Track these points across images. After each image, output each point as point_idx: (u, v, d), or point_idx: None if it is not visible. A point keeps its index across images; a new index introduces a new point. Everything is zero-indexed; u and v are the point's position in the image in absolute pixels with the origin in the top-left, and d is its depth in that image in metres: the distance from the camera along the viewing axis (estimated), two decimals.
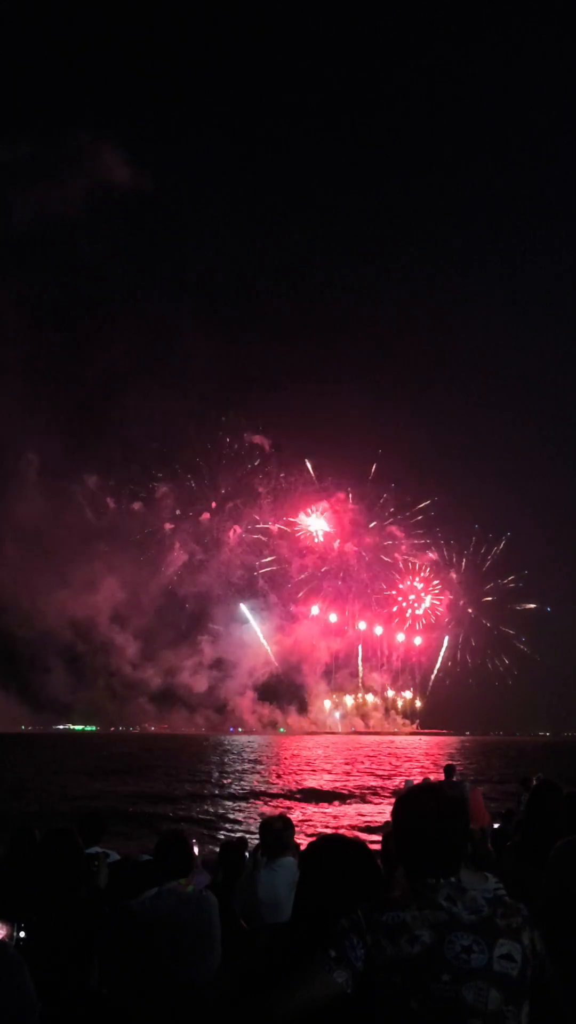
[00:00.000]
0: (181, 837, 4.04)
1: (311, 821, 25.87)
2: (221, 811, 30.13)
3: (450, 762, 19.29)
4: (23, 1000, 1.81)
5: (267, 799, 35.36)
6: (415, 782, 12.42)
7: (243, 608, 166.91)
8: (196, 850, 4.73)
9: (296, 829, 5.45)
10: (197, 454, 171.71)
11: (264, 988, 2.08)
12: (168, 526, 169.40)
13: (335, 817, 28.50)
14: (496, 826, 10.29)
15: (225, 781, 44.96)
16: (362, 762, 66.45)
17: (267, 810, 28.92)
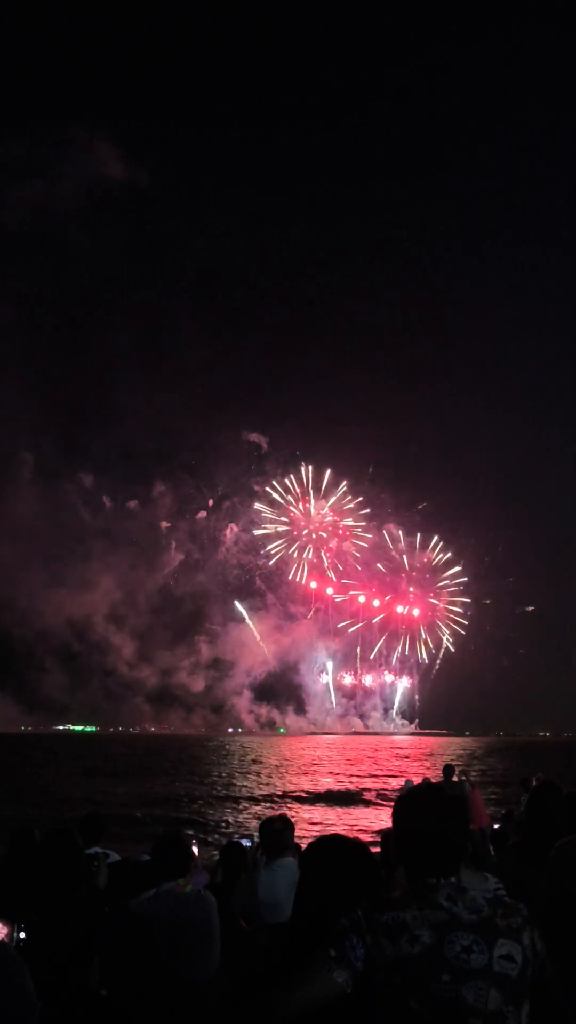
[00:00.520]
0: (180, 837, 4.05)
1: (311, 822, 25.87)
2: (221, 812, 30.15)
3: (449, 762, 19.29)
4: (23, 1000, 1.81)
5: (267, 800, 35.38)
6: (415, 782, 12.43)
7: (239, 607, 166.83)
8: (195, 850, 4.74)
9: (296, 829, 5.45)
10: (194, 452, 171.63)
11: (264, 988, 2.08)
12: (164, 525, 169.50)
13: (336, 818, 28.50)
14: (496, 826, 10.32)
15: (225, 782, 44.98)
16: (363, 762, 66.50)
17: (267, 811, 28.93)
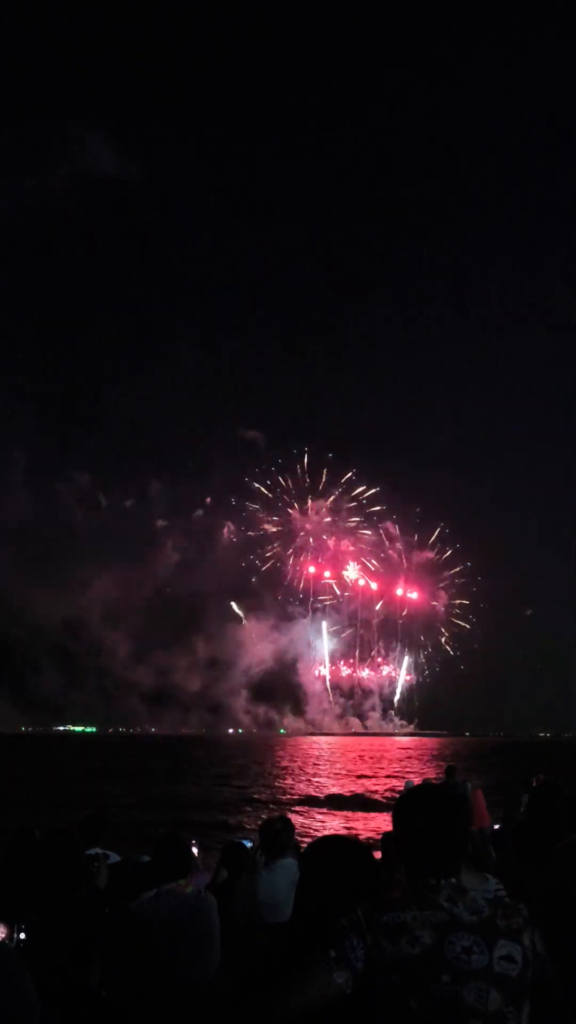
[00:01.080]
0: (180, 838, 4.05)
1: (311, 823, 25.85)
2: (221, 813, 30.12)
3: (452, 763, 19.29)
4: (23, 1000, 1.80)
5: (267, 800, 35.35)
6: (415, 783, 12.42)
7: (236, 607, 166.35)
8: (195, 851, 4.73)
9: (296, 830, 5.45)
10: (190, 450, 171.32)
11: (264, 988, 2.08)
12: (160, 523, 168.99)
13: (336, 819, 28.48)
14: (496, 827, 10.29)
15: (226, 783, 44.93)
16: (364, 762, 66.44)
17: (267, 812, 28.91)
